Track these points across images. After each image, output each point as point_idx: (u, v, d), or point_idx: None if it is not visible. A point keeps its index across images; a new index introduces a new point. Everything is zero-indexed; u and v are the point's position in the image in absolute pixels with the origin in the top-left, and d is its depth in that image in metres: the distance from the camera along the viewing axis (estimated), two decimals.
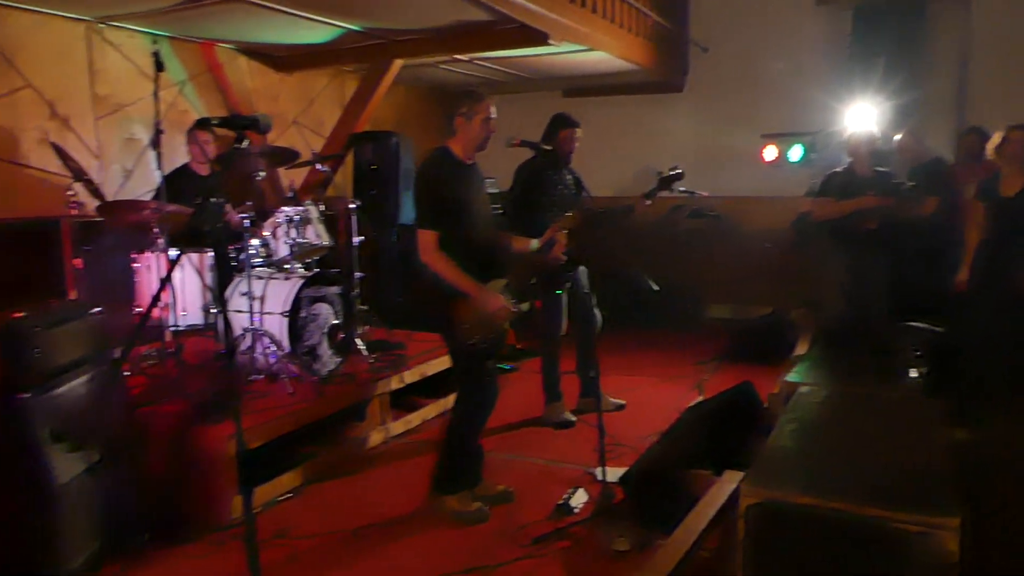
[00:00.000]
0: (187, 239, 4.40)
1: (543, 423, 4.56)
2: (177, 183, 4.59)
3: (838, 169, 4.85)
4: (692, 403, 4.52)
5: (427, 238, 3.14)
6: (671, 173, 4.36)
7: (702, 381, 5.35)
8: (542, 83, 7.83)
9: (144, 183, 5.51)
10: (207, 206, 2.04)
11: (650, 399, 5.01)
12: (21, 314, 2.95)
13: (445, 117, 3.30)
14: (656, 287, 4.40)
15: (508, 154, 3.71)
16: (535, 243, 3.45)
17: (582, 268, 4.56)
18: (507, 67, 6.84)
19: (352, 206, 4.89)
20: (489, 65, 6.73)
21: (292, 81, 6.74)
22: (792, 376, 3.38)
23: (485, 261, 3.31)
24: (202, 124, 2.19)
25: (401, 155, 6.21)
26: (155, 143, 3.83)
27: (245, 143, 2.28)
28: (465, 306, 3.20)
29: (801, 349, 4.73)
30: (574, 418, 4.57)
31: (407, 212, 6.28)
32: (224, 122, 2.28)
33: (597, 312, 4.64)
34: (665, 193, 4.56)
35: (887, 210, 4.49)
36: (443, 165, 3.25)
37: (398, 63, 6.15)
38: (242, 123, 2.29)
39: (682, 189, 4.56)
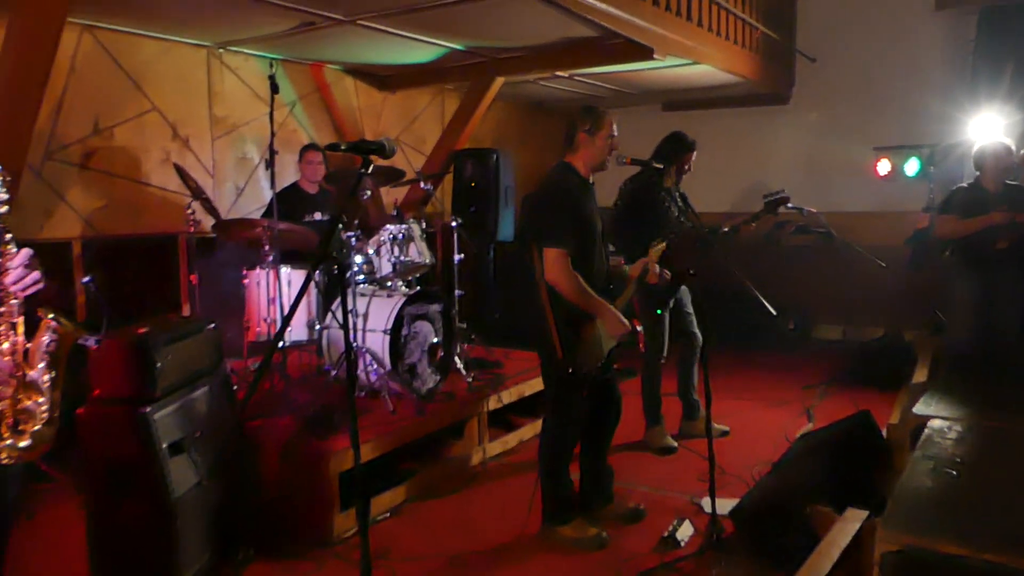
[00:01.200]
0: (297, 256, 4.49)
1: (644, 447, 4.47)
2: (287, 201, 4.72)
3: (963, 184, 4.62)
4: (803, 431, 4.38)
5: (557, 257, 3.08)
6: (777, 197, 4.24)
7: (811, 407, 5.16)
8: (641, 97, 7.74)
9: (254, 200, 5.73)
10: (335, 230, 2.04)
11: (756, 425, 4.86)
12: (144, 329, 3.09)
13: (565, 134, 3.28)
14: (773, 311, 4.22)
15: (609, 172, 3.64)
16: (627, 268, 3.39)
17: (684, 287, 4.46)
18: (607, 82, 6.78)
19: (453, 224, 4.95)
20: (589, 81, 6.70)
21: (395, 100, 6.87)
22: (920, 407, 3.15)
23: (603, 283, 3.28)
24: (328, 147, 2.22)
25: (501, 172, 6.32)
26: (269, 163, 3.97)
27: (370, 168, 2.29)
28: (587, 329, 3.16)
29: (920, 375, 4.50)
30: (676, 443, 4.48)
31: (506, 229, 6.35)
32: (351, 147, 2.29)
33: (698, 333, 4.52)
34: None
35: (1020, 228, 4.25)
36: (569, 181, 3.22)
37: (499, 81, 6.23)
38: (368, 148, 2.29)
39: (790, 205, 4.39)
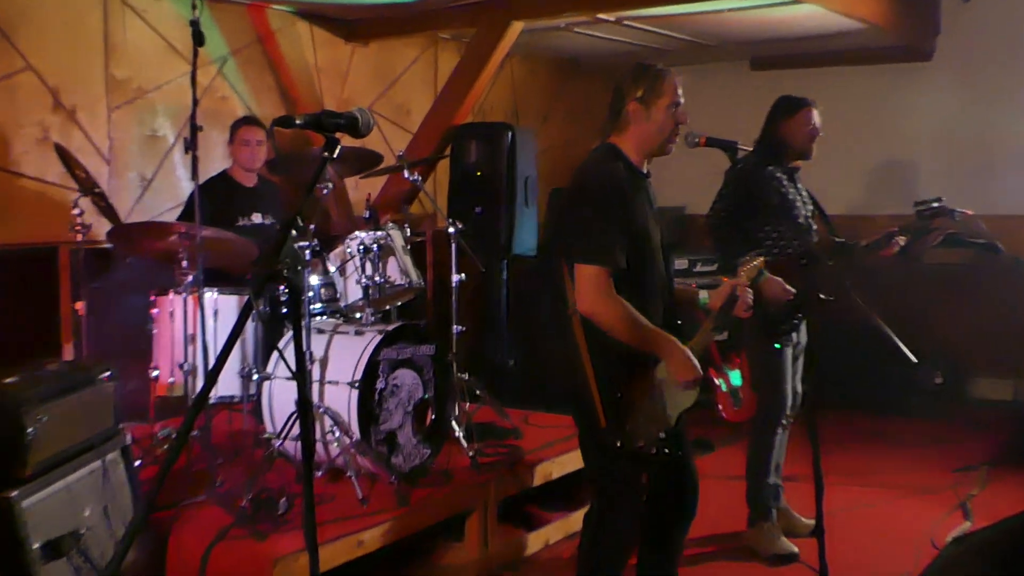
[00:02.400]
0: (227, 275, 4.59)
1: (743, 553, 4.48)
2: (214, 197, 4.76)
3: None
4: (956, 533, 4.36)
5: (595, 276, 3.09)
6: (934, 206, 4.29)
7: (968, 498, 5.13)
8: (719, 51, 7.79)
9: (167, 195, 5.85)
10: (286, 238, 2.06)
11: (888, 524, 4.88)
12: (9, 380, 3.13)
13: (609, 105, 3.31)
14: (913, 358, 4.21)
15: (674, 158, 3.66)
16: (704, 296, 3.40)
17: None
18: (668, 28, 6.86)
19: (451, 231, 4.96)
20: (644, 27, 6.77)
21: (367, 54, 6.97)
22: None
23: (665, 316, 3.29)
24: (276, 123, 2.23)
25: (518, 157, 6.38)
26: (191, 144, 3.98)
27: (337, 150, 2.31)
28: (644, 380, 3.18)
29: None
30: (796, 548, 4.46)
31: (525, 238, 6.40)
32: (310, 122, 2.31)
33: (803, 388, 4.53)
34: (906, 212, 4.46)
35: None
36: (617, 171, 3.23)
37: (516, 27, 6.24)
38: (334, 123, 2.30)
39: (934, 204, 4.45)
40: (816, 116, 4.52)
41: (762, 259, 3.44)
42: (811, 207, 4.58)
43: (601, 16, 6.25)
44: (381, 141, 6.90)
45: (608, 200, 3.16)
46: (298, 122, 2.31)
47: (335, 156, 2.29)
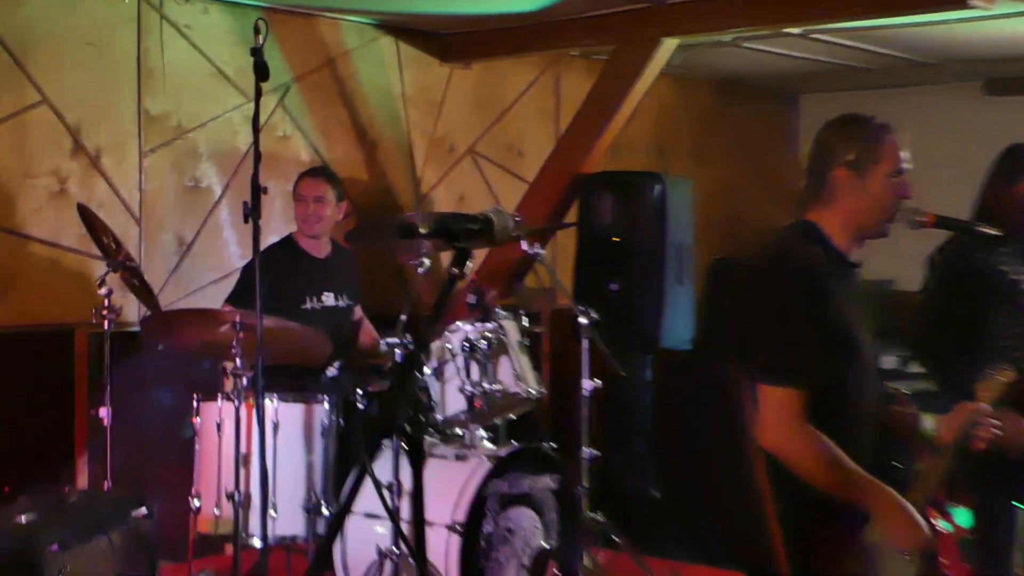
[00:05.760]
0: (292, 376, 4.71)
1: None
2: (274, 268, 4.88)
3: None
4: None
5: (782, 401, 3.06)
6: None
7: None
8: (941, 71, 7.76)
9: (211, 263, 6.01)
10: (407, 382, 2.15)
11: None
12: (24, 516, 3.32)
13: (808, 168, 3.32)
14: None
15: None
16: (929, 424, 3.35)
17: None
18: (873, 43, 6.96)
19: (582, 320, 5.03)
20: (838, 41, 6.88)
21: (469, 78, 7.14)
22: None
23: (878, 453, 3.26)
24: (400, 231, 2.34)
25: (669, 216, 6.42)
26: (251, 211, 4.07)
27: (467, 266, 2.37)
28: (845, 539, 3.11)
29: None
30: None
31: (677, 327, 6.45)
32: (436, 229, 2.41)
33: None
34: None
35: None
36: (815, 259, 3.21)
37: (669, 45, 6.34)
38: (465, 230, 2.38)
39: None
40: None
41: (1010, 373, 3.41)
42: None
43: (788, 29, 6.39)
44: (485, 191, 7.14)
45: (802, 299, 3.11)
46: (422, 231, 2.44)
47: (462, 274, 2.39)
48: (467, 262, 2.46)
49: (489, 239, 2.48)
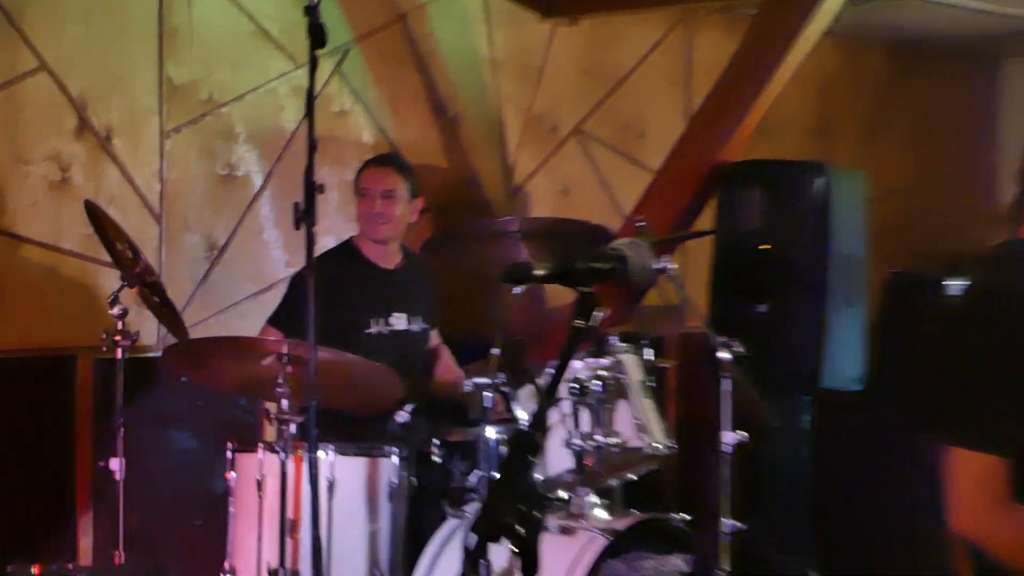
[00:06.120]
0: (352, 423, 4.67)
1: None
2: (331, 282, 4.77)
3: None
4: None
5: (982, 472, 2.95)
6: None
7: None
8: None
9: (248, 273, 5.92)
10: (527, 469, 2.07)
11: None
12: None
13: (1019, 172, 3.21)
14: None
15: None
16: None
17: None
18: None
19: (723, 355, 4.89)
20: None
21: (575, 39, 6.96)
22: None
23: None
24: (506, 278, 2.25)
25: (833, 218, 6.18)
26: (304, 215, 3.97)
27: (595, 317, 2.28)
28: None
29: None
30: None
31: (843, 359, 6.20)
32: (557, 272, 2.29)
33: None
34: None
35: None
36: None
37: None
38: (594, 272, 2.38)
39: None
40: None
41: None
42: None
43: None
44: (596, 185, 7.04)
45: (1015, 344, 3.16)
46: (537, 274, 2.32)
47: (592, 326, 2.28)
48: (595, 311, 2.37)
49: (623, 281, 2.41)
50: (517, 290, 4.49)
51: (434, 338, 5.57)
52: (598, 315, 2.33)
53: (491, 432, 4.55)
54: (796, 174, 6.39)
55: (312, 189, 3.99)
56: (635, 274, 2.34)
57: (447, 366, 5.55)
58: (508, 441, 4.40)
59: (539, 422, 2.33)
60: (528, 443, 2.33)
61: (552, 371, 4.67)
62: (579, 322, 2.34)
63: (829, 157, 7.42)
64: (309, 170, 3.98)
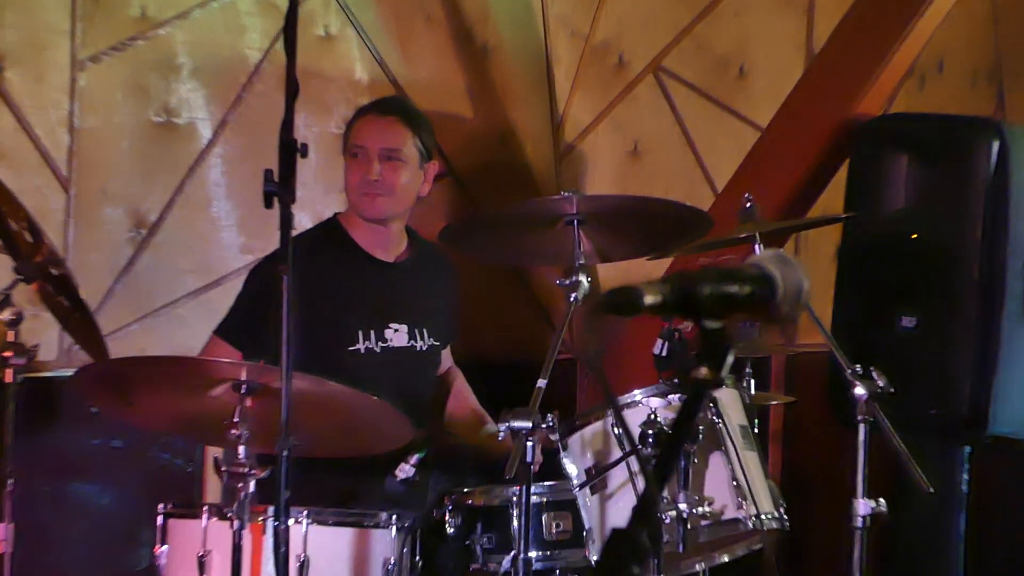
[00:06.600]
0: (341, 482, 4.63)
1: None
2: (307, 278, 4.65)
3: None
4: None
5: None
6: None
7: None
8: None
9: (191, 261, 5.84)
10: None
11: None
12: None
13: None
14: None
15: None
16: None
17: None
18: None
19: (859, 391, 4.82)
20: None
21: None
22: None
23: None
24: (606, 307, 2.20)
25: (1014, 198, 6.00)
26: (279, 188, 3.87)
27: (727, 363, 2.20)
28: None
29: None
30: None
31: (1019, 397, 6.05)
32: (672, 299, 2.23)
33: None
34: None
35: None
36: None
37: None
38: (723, 297, 2.21)
39: None
40: None
41: None
42: None
43: None
44: (679, 142, 6.97)
45: None
46: (648, 301, 2.21)
47: (723, 380, 2.17)
48: (728, 357, 2.26)
49: (764, 311, 2.26)
50: (575, 295, 4.42)
51: (446, 359, 5.47)
52: (730, 361, 2.22)
53: (531, 495, 4.44)
54: (960, 135, 6.23)
55: (291, 150, 3.87)
56: (785, 301, 2.18)
57: (462, 398, 5.45)
58: (602, 547, 4.26)
59: (644, 512, 2.21)
60: (629, 547, 2.19)
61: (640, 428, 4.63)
62: (704, 373, 2.18)
63: (1006, 115, 7.46)
64: (287, 124, 3.86)
